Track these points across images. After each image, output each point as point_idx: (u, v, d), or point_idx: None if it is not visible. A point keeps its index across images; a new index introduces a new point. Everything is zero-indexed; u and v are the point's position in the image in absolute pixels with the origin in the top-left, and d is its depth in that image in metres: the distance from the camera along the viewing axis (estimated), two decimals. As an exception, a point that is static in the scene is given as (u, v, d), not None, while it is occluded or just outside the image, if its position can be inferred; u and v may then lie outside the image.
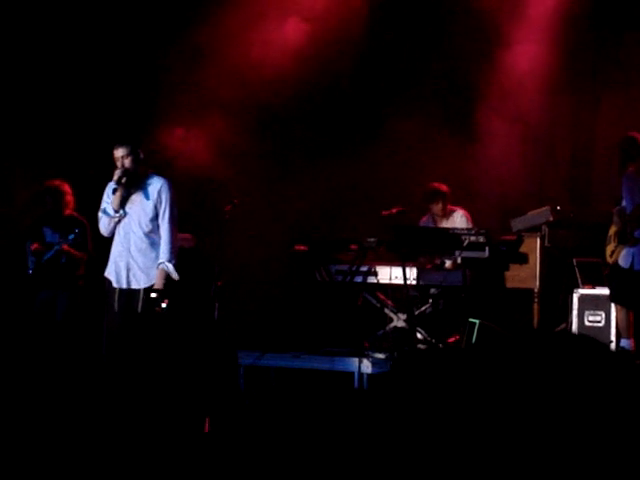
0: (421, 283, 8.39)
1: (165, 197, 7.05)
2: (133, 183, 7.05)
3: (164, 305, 6.86)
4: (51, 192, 8.54)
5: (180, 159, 9.21)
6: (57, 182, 8.58)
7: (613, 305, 8.18)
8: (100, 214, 7.17)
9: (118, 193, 7.02)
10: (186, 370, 7.46)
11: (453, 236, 8.36)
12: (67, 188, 8.59)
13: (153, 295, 6.88)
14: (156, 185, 7.07)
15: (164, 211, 7.04)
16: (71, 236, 8.29)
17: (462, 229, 8.64)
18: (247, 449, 2.92)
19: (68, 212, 8.59)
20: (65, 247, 8.35)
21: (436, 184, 9.20)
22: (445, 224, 9.09)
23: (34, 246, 8.47)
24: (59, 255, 8.41)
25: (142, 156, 7.10)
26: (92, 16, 9.88)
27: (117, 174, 7.01)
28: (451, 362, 2.37)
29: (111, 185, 7.06)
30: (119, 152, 7.04)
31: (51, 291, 8.50)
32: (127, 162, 7.02)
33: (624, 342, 7.96)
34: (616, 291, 7.98)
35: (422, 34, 10.33)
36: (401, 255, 8.25)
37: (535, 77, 9.95)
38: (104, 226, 7.16)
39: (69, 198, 8.58)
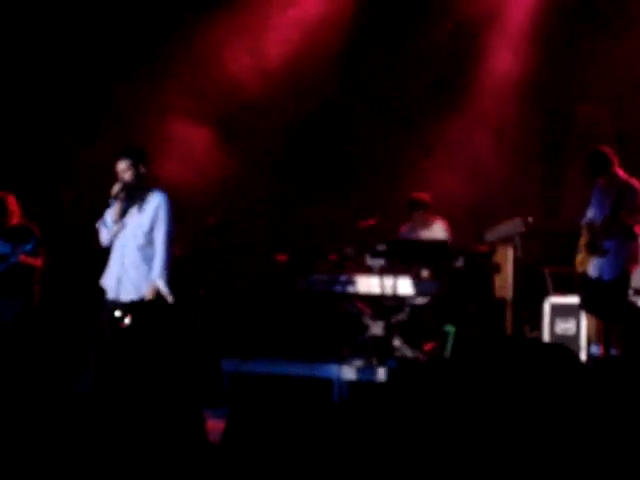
0: (398, 292, 8.58)
1: (163, 213, 7.02)
2: (133, 196, 7.04)
3: (127, 321, 6.86)
4: None
5: (163, 169, 9.30)
6: (0, 194, 8.61)
7: (583, 313, 8.41)
8: (99, 224, 7.17)
9: (117, 205, 7.02)
10: (170, 378, 7.54)
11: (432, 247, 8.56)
12: (11, 199, 8.59)
13: (117, 313, 6.87)
14: (155, 200, 7.05)
15: (160, 227, 7.02)
16: (28, 246, 8.34)
17: (437, 240, 8.85)
18: (231, 454, 3.08)
19: (16, 221, 8.61)
20: (22, 258, 8.39)
21: (419, 194, 9.41)
22: (425, 233, 9.29)
23: None
24: (16, 265, 8.44)
25: (144, 170, 7.05)
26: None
27: (115, 189, 7.01)
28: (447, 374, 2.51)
29: (110, 200, 7.04)
30: (120, 165, 7.03)
31: (7, 299, 8.50)
32: (127, 176, 7.01)
33: (594, 348, 8.17)
34: (586, 299, 8.19)
35: (396, 45, 10.47)
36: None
37: (509, 87, 10.11)
38: (103, 236, 7.17)
39: (13, 208, 8.58)
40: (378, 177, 10.56)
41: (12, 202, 8.61)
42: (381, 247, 8.47)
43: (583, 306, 8.24)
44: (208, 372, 8.30)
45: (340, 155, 10.78)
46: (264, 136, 10.44)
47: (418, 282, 8.68)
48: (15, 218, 8.61)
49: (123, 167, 7.03)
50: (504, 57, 10.04)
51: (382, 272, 8.42)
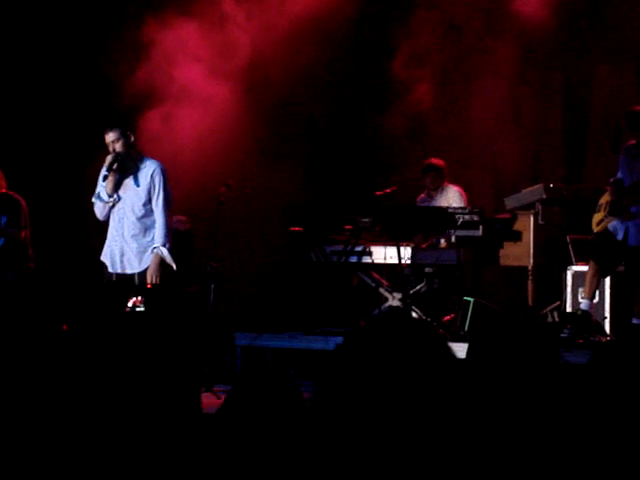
0: (416, 262, 8.43)
1: (158, 180, 6.99)
2: (126, 167, 7.00)
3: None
4: None
5: (173, 140, 9.10)
6: None
7: (607, 280, 8.15)
8: (94, 199, 7.11)
9: (111, 178, 6.96)
10: (180, 354, 7.39)
11: (447, 215, 8.38)
12: None
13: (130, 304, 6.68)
14: (149, 169, 7.01)
15: (158, 195, 6.99)
16: (4, 219, 8.16)
17: (456, 208, 8.66)
18: (244, 430, 2.89)
19: (2, 191, 8.34)
20: None
21: (433, 158, 9.25)
22: (439, 199, 9.11)
23: None
24: None
25: (133, 139, 7.04)
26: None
27: (108, 160, 6.94)
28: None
29: (103, 171, 6.99)
30: (109, 137, 6.98)
31: None
32: (118, 146, 6.96)
33: (584, 304, 7.88)
34: (598, 253, 7.90)
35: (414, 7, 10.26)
36: (396, 235, 8.26)
37: (527, 52, 9.91)
38: (99, 211, 7.12)
39: None
40: (396, 145, 10.36)
41: None
42: (397, 216, 8.30)
43: (593, 255, 7.91)
44: (220, 347, 8.19)
45: (357, 123, 10.59)
46: (278, 106, 10.27)
47: (436, 251, 8.53)
48: (2, 188, 8.37)
49: (113, 138, 6.98)
50: (521, 22, 9.77)
51: (399, 242, 8.26)
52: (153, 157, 7.23)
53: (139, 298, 6.64)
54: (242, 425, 2.48)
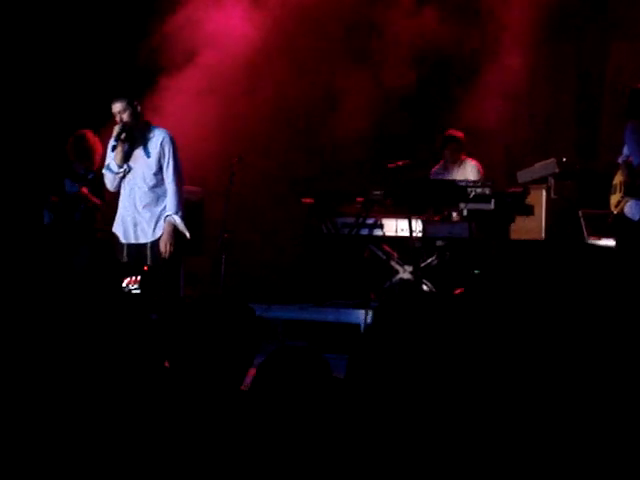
0: (427, 235, 8.43)
1: (168, 149, 6.97)
2: (134, 137, 6.98)
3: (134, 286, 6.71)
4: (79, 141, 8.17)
5: (186, 114, 9.08)
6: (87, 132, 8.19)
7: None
8: (104, 170, 7.14)
9: (119, 148, 6.96)
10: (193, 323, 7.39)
11: (459, 188, 8.37)
12: (89, 135, 8.15)
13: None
14: (158, 138, 6.99)
15: (168, 163, 6.97)
16: (90, 175, 8.00)
17: (468, 181, 8.65)
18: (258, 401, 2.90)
19: (88, 164, 8.15)
20: (84, 190, 8.05)
21: (452, 130, 9.21)
22: (456, 172, 9.09)
23: (53, 199, 8.20)
24: (78, 200, 8.10)
25: (140, 109, 7.03)
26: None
27: (116, 130, 6.94)
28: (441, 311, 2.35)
29: (111, 142, 7.00)
30: (116, 107, 6.96)
31: (71, 242, 8.13)
32: (125, 116, 6.95)
33: None
34: (622, 242, 7.93)
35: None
36: (408, 208, 8.28)
37: (542, 26, 9.85)
38: (109, 182, 7.14)
39: (95, 146, 8.10)
40: (409, 119, 10.33)
41: (92, 139, 8.09)
42: (407, 189, 8.30)
43: (620, 249, 7.98)
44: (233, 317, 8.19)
45: (369, 94, 10.55)
46: (290, 79, 10.24)
47: (448, 225, 8.53)
48: (98, 156, 8.08)
49: (119, 108, 6.96)
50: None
51: (411, 215, 8.27)
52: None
53: (134, 278, 6.67)
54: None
